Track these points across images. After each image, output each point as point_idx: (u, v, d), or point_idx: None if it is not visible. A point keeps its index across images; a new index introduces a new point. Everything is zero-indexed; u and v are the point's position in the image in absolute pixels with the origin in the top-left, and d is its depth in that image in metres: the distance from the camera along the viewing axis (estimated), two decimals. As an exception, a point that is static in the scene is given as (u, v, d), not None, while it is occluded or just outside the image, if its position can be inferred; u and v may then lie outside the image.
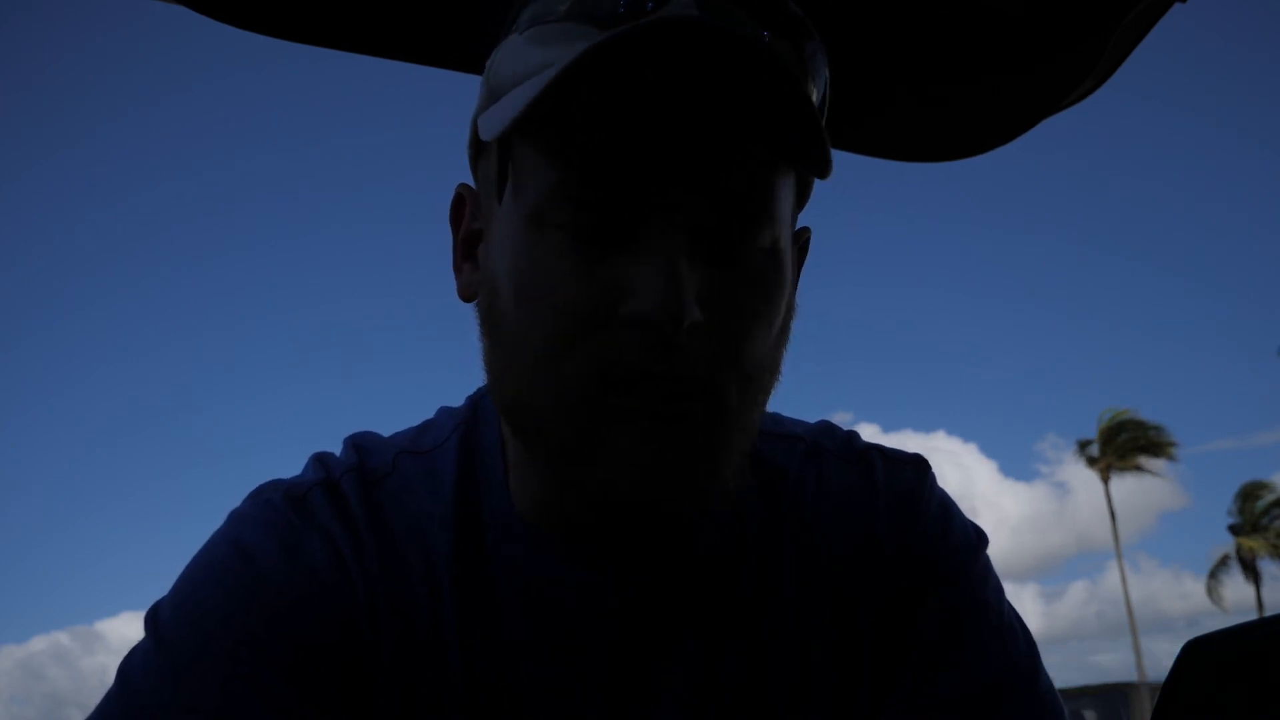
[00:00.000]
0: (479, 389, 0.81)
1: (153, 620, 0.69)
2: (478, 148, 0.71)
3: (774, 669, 0.74)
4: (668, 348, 0.61)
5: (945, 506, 0.80)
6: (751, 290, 0.65)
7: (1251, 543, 34.61)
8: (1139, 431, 35.46)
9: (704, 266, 0.63)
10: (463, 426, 0.77)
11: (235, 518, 0.73)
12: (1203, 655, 0.69)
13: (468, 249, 0.73)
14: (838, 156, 0.73)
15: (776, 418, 0.84)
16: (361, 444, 0.78)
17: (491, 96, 0.67)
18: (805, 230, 0.77)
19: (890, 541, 0.76)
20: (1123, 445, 35.41)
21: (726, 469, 0.65)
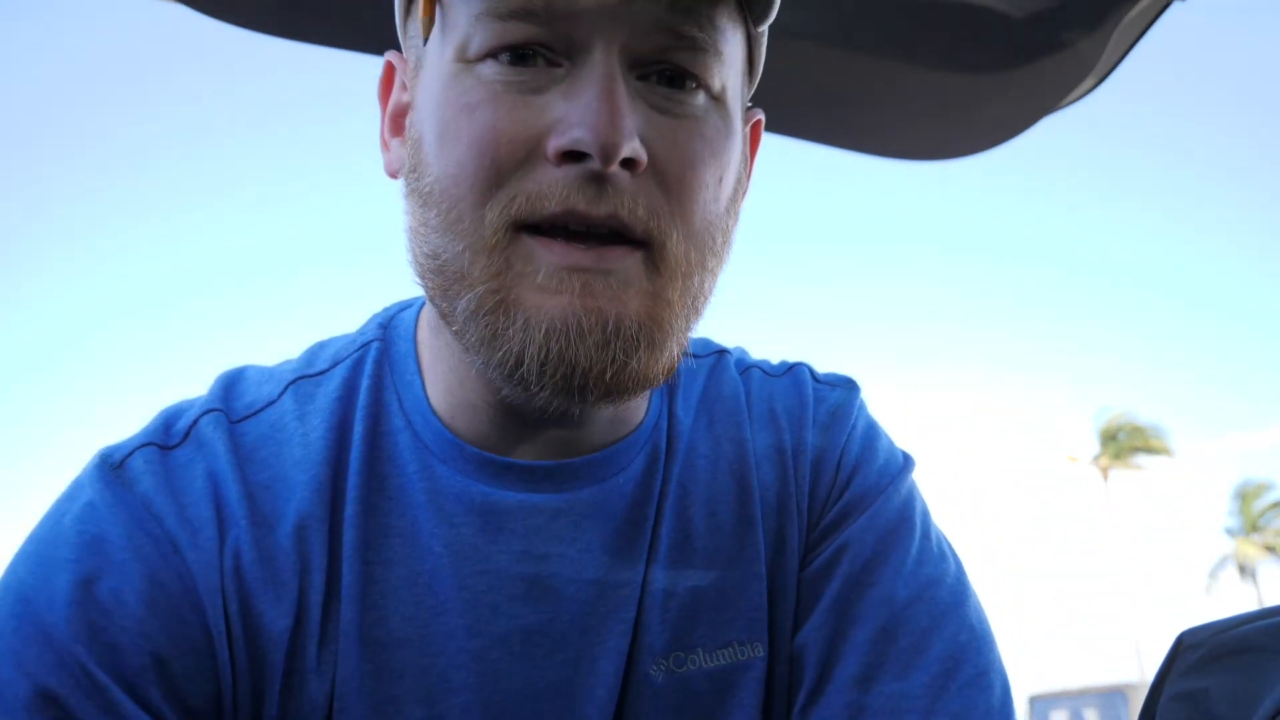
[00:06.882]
0: (386, 309, 0.77)
1: None
2: (406, 2, 0.66)
3: (701, 577, 0.71)
4: (601, 185, 0.56)
5: (872, 426, 0.79)
6: (696, 136, 0.60)
7: (1268, 541, 34.63)
8: (1136, 434, 35.55)
9: (645, 108, 0.58)
10: (376, 343, 0.72)
11: (49, 508, 0.65)
12: (1195, 646, 0.69)
13: (396, 123, 0.67)
14: (844, 157, 0.75)
15: (704, 340, 0.81)
16: (237, 379, 0.71)
17: None
18: (757, 112, 0.73)
19: (817, 450, 0.75)
20: (1120, 447, 35.49)
21: (667, 332, 0.59)
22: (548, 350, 0.56)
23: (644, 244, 0.58)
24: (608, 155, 0.55)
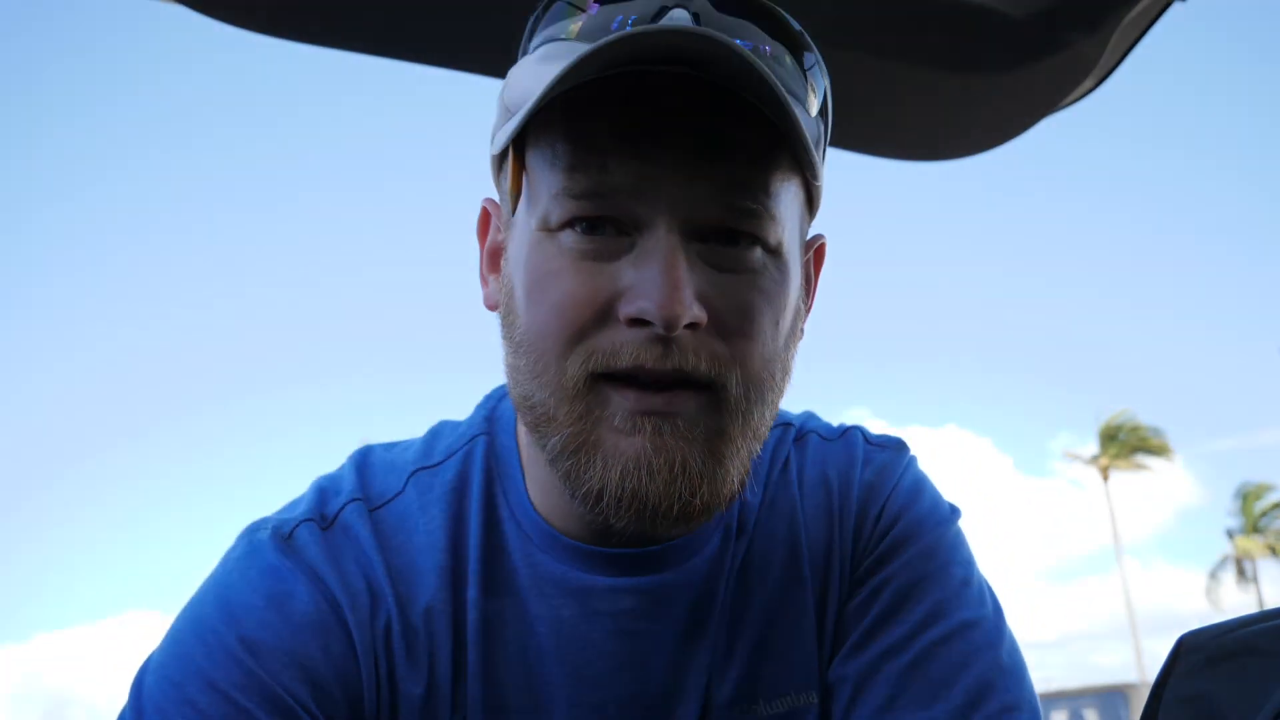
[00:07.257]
0: (488, 396, 0.84)
1: (138, 687, 0.70)
2: (499, 163, 0.74)
3: (760, 637, 0.79)
4: (666, 344, 0.64)
5: (918, 481, 0.84)
6: (753, 289, 0.67)
7: (1269, 541, 34.61)
8: (1136, 434, 35.57)
9: (705, 267, 0.65)
10: (483, 437, 0.80)
11: (223, 565, 0.75)
12: (1196, 649, 0.69)
13: (493, 261, 0.76)
14: (850, 157, 0.76)
15: None
16: (366, 465, 0.80)
17: (506, 113, 0.71)
18: (819, 238, 0.78)
19: (861, 506, 0.81)
20: (1121, 447, 35.52)
21: (728, 466, 0.67)
22: (623, 488, 0.65)
23: (707, 386, 0.66)
24: (670, 325, 0.63)
